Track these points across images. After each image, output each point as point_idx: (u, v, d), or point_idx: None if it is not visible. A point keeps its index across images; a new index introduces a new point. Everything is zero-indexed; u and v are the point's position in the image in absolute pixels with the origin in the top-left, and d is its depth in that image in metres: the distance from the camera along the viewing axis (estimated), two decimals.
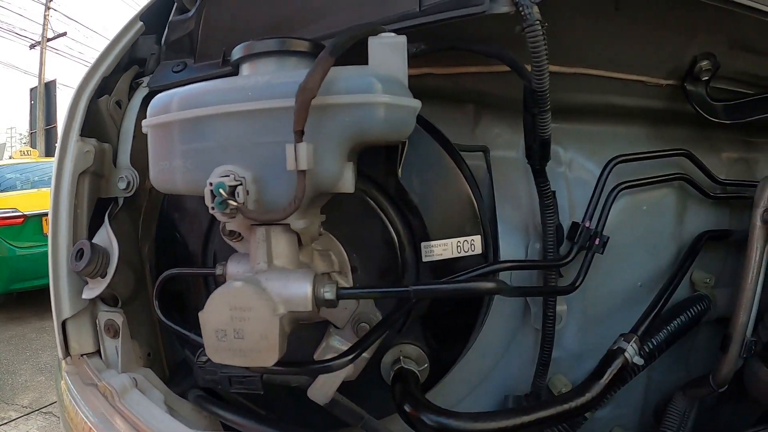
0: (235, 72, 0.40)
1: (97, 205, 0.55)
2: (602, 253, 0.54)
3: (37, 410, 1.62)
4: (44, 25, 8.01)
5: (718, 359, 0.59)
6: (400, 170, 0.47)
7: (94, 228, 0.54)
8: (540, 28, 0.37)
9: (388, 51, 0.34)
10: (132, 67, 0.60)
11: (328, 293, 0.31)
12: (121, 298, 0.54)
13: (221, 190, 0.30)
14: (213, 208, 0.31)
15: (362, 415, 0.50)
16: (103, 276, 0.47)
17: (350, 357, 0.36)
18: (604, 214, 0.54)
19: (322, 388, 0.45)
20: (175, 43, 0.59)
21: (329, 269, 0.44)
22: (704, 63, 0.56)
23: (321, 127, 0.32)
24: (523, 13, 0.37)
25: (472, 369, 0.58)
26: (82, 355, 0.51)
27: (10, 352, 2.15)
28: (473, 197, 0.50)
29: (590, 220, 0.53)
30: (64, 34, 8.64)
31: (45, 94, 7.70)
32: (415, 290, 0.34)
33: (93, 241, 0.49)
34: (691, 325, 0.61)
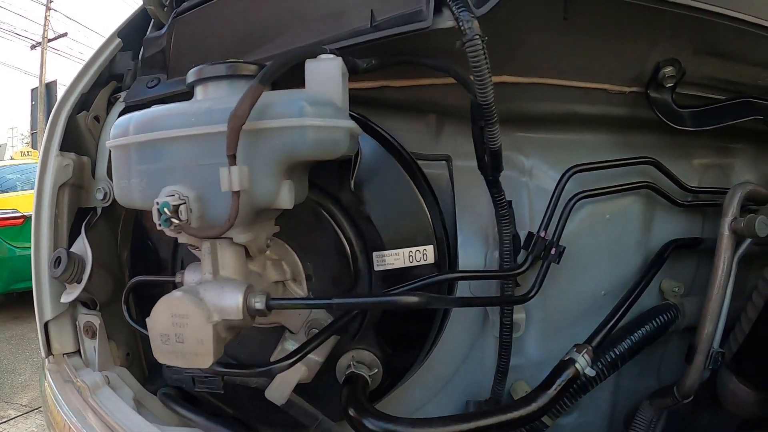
0: (191, 94, 0.45)
1: (77, 214, 0.62)
2: (558, 263, 0.57)
3: (36, 409, 1.74)
4: (45, 25, 8.40)
5: (684, 370, 0.62)
6: (352, 182, 0.52)
7: (75, 235, 0.61)
8: (479, 42, 0.39)
9: (324, 73, 0.39)
10: (110, 83, 0.67)
11: (258, 303, 0.36)
12: (99, 301, 0.60)
13: (165, 209, 0.36)
14: (159, 225, 0.36)
15: (317, 416, 0.55)
16: (79, 282, 0.53)
17: (289, 362, 0.41)
18: (561, 224, 0.57)
19: (279, 389, 0.50)
20: (150, 59, 0.65)
21: (281, 278, 0.49)
22: (668, 69, 0.57)
23: (255, 149, 0.36)
24: (462, 28, 0.39)
25: (434, 374, 0.63)
26: (63, 355, 0.58)
27: (10, 351, 2.30)
28: (426, 208, 0.54)
29: (546, 230, 0.57)
30: (65, 34, 9.03)
31: (46, 94, 8.07)
32: (338, 303, 0.39)
33: (71, 249, 0.56)
34: (657, 334, 0.64)
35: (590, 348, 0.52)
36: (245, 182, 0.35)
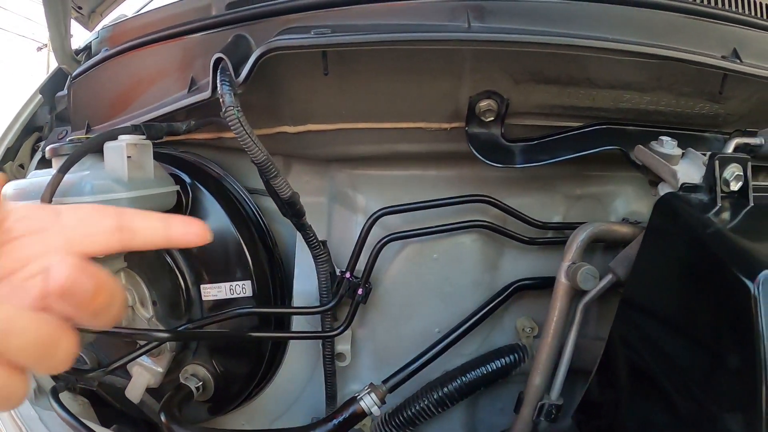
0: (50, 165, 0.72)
1: None
2: (365, 303, 0.73)
3: None
4: None
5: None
6: None
7: None
8: (234, 112, 0.56)
9: (113, 153, 0.62)
10: (33, 134, 0.99)
11: None
12: None
13: None
14: None
15: None
16: None
17: (106, 369, 0.66)
18: (369, 266, 0.72)
19: (132, 390, 0.76)
20: (61, 114, 0.96)
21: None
22: (484, 103, 0.64)
23: None
24: (221, 101, 0.57)
25: (283, 391, 0.84)
26: None
27: None
28: (245, 247, 0.75)
29: (351, 271, 0.73)
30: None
31: None
32: (103, 332, 0.63)
33: None
34: (495, 376, 0.75)
35: (382, 388, 0.69)
36: None
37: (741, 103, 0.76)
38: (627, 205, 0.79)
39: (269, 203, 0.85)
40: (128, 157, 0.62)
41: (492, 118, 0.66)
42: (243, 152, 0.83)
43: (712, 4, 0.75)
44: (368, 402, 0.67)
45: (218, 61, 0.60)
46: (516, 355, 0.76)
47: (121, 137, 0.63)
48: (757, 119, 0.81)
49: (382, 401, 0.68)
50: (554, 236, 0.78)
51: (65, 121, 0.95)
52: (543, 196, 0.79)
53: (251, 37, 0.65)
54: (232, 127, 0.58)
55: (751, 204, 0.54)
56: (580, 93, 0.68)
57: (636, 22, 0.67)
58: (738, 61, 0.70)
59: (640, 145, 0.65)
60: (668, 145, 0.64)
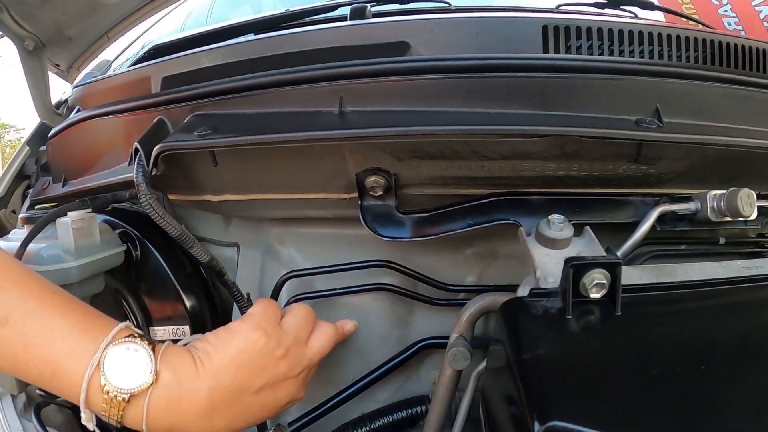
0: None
1: None
2: None
3: None
4: None
5: None
6: (133, 274, 0.96)
7: None
8: (146, 199, 0.71)
9: (62, 228, 0.82)
10: (24, 182, 1.25)
11: None
12: None
13: None
14: None
15: None
16: None
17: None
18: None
19: None
20: (44, 165, 1.20)
21: None
22: (371, 179, 0.72)
23: None
24: (137, 189, 0.72)
25: None
26: None
27: None
28: (183, 296, 0.94)
29: None
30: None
31: None
32: None
33: None
34: (400, 425, 0.89)
35: (287, 429, 0.85)
36: None
37: (674, 162, 0.76)
38: None
39: (218, 250, 1.04)
40: (77, 228, 0.83)
41: (381, 193, 0.75)
42: (191, 206, 1.03)
43: (626, 57, 0.73)
44: None
45: (137, 150, 0.77)
46: (421, 407, 0.89)
47: (70, 214, 0.83)
48: (704, 175, 0.80)
49: None
50: (466, 297, 0.87)
51: (48, 171, 1.20)
52: (455, 255, 0.89)
53: (169, 121, 0.81)
54: (149, 211, 0.76)
55: (618, 313, 0.50)
56: (471, 165, 0.74)
57: (524, 90, 0.66)
58: (657, 123, 0.69)
59: (522, 228, 0.72)
60: (555, 228, 0.63)
